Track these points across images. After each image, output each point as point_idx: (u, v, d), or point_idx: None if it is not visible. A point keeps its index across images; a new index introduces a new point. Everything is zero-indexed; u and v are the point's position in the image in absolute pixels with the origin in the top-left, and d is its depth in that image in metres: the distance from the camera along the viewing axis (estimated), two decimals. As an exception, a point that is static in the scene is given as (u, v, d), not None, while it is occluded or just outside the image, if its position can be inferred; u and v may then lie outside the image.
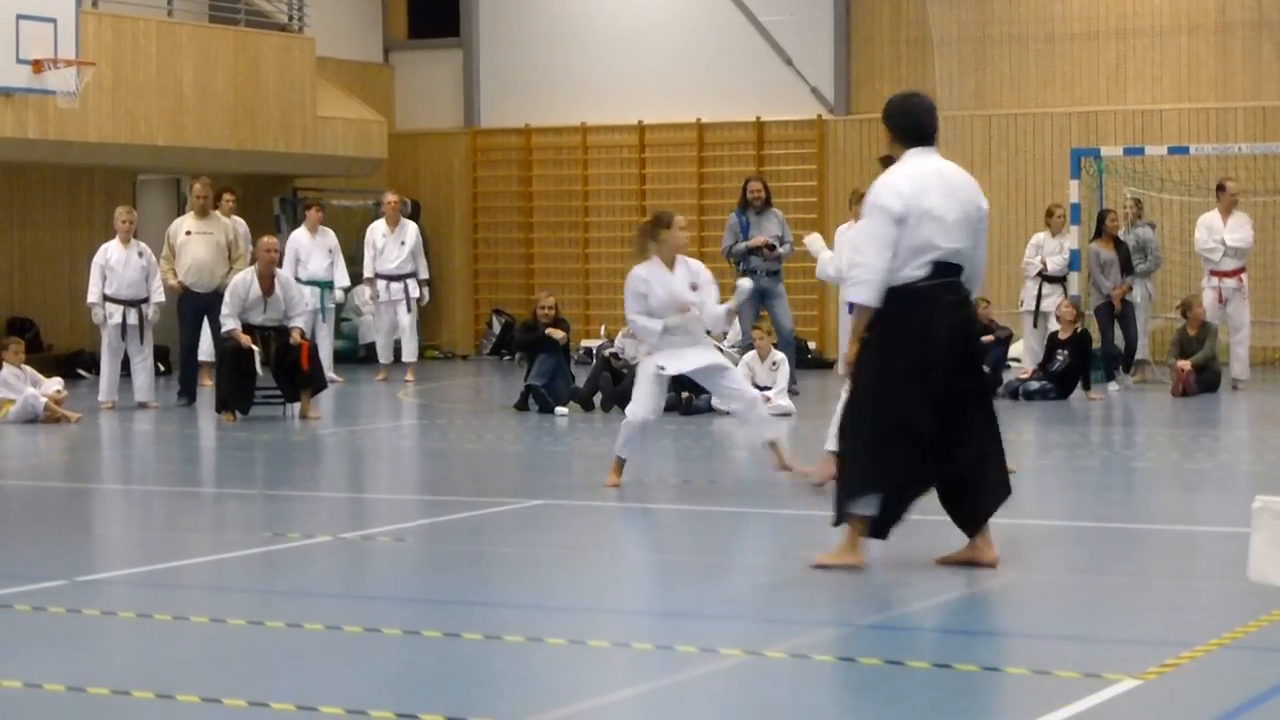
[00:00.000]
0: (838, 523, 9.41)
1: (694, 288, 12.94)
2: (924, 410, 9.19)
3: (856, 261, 9.32)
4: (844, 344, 20.27)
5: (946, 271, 9.33)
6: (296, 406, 18.55)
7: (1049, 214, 22.66)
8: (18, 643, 8.06)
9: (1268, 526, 8.53)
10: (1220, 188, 21.65)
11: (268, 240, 19.17)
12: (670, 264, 12.90)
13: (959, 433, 9.30)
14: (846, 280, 9.77)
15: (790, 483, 12.74)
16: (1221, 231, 21.36)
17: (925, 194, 9.31)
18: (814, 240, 12.63)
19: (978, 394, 9.51)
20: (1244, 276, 21.40)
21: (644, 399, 12.84)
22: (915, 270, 9.27)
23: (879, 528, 9.35)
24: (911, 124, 9.56)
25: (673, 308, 12.77)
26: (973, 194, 9.51)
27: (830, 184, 26.80)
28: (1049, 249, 22.56)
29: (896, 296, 9.25)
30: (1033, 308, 22.36)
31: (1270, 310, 24.10)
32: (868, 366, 9.36)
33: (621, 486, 12.67)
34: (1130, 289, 21.34)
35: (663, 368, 12.84)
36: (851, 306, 9.49)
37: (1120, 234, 21.59)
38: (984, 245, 9.55)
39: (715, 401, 18.30)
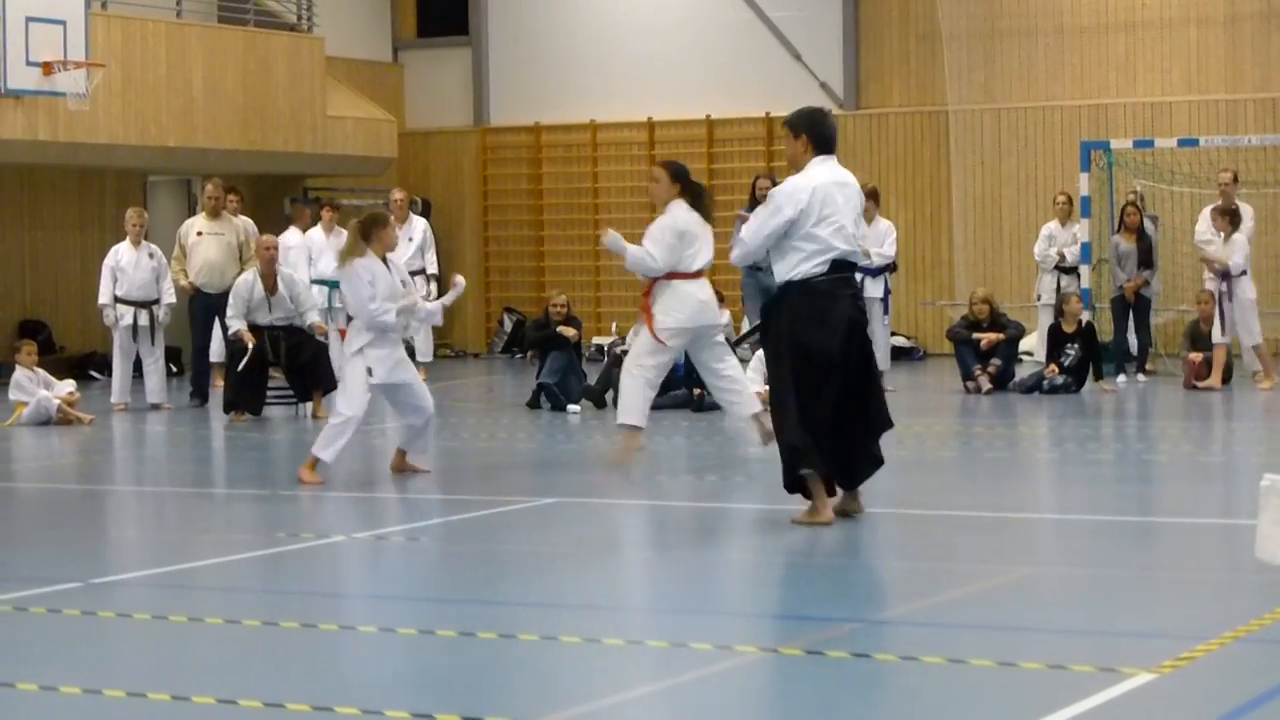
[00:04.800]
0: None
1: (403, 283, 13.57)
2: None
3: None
4: (882, 341, 20.26)
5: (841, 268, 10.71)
6: (309, 406, 18.56)
7: (1054, 201, 22.84)
8: (33, 645, 8.07)
9: (1275, 506, 8.49)
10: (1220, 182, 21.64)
11: (266, 239, 19.09)
12: (384, 260, 13.41)
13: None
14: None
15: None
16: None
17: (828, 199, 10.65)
18: (612, 240, 13.88)
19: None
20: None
21: (359, 396, 13.37)
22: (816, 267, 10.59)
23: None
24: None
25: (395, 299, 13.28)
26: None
27: (840, 179, 26.75)
28: (1062, 240, 22.51)
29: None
30: (1053, 301, 22.20)
31: (1280, 301, 24.05)
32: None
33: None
34: (1146, 282, 21.27)
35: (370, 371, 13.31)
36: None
37: (1125, 228, 21.60)
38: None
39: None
